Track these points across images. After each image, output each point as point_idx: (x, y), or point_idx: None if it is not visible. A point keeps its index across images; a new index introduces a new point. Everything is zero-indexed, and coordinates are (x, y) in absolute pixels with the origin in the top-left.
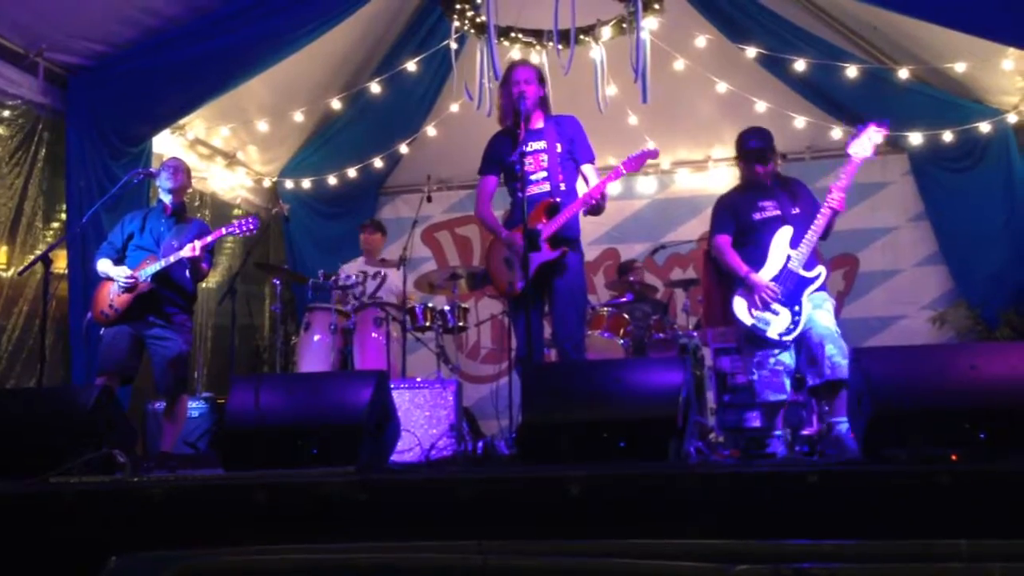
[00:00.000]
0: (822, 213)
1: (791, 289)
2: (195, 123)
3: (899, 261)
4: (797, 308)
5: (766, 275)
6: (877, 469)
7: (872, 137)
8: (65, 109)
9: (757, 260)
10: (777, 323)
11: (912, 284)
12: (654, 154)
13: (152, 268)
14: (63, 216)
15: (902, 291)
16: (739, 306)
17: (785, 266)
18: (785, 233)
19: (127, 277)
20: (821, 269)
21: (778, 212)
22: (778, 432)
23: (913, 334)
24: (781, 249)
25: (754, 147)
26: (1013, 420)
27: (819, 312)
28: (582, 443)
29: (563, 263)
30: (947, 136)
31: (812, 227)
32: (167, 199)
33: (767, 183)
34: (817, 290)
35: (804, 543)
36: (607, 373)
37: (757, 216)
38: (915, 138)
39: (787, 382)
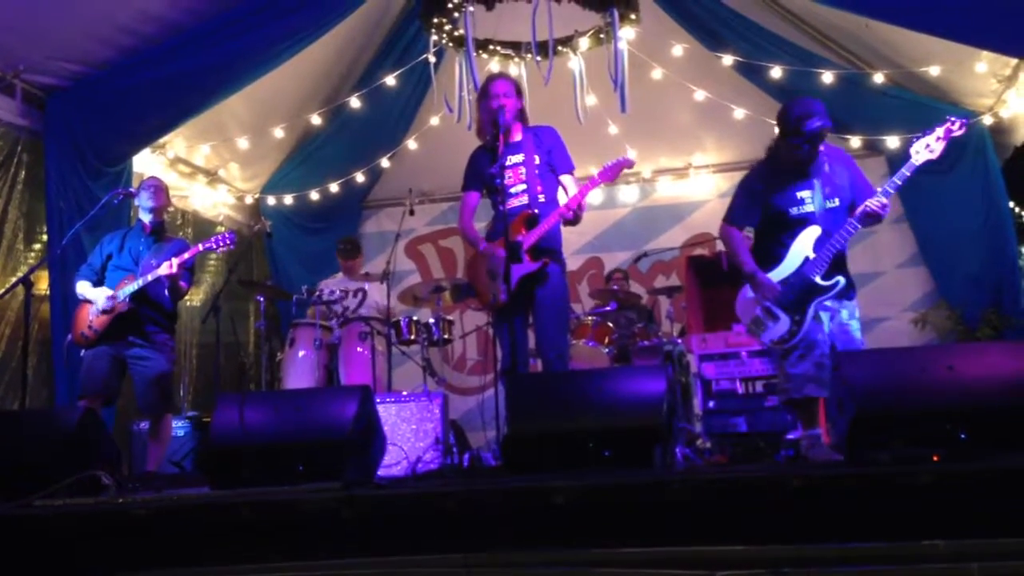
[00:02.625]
0: (855, 217)
1: (798, 294)
2: (175, 141)
3: (880, 263)
4: (799, 317)
5: (777, 275)
6: (858, 472)
7: (942, 136)
8: (44, 130)
9: (776, 257)
10: (774, 329)
11: (894, 286)
12: (629, 163)
13: (130, 288)
14: (44, 237)
15: (884, 293)
16: (742, 303)
17: (799, 268)
18: (811, 234)
19: (107, 297)
20: (840, 279)
21: (813, 208)
22: (817, 431)
23: (896, 335)
24: (801, 250)
25: (817, 128)
26: (993, 419)
27: (854, 323)
28: (567, 453)
29: (544, 274)
30: None
31: (841, 231)
32: (147, 218)
33: (809, 168)
34: (847, 299)
35: (787, 547)
36: (591, 382)
37: (795, 211)
38: (892, 141)
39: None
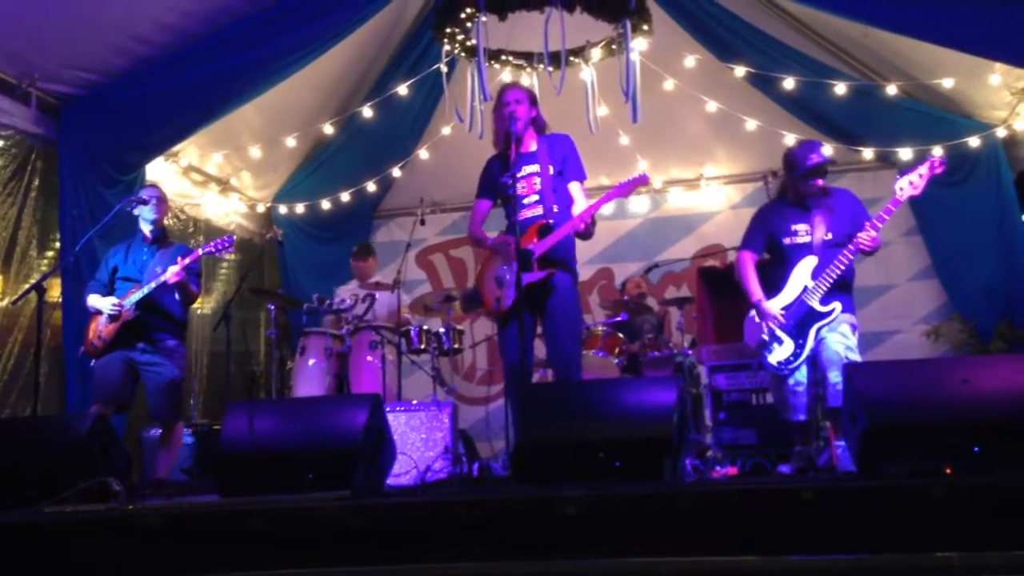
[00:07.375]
0: (849, 250)
1: (800, 320)
2: (188, 150)
3: (892, 276)
4: (802, 341)
5: (779, 302)
6: (871, 484)
7: (924, 174)
8: (58, 138)
9: (778, 284)
10: (779, 352)
11: (906, 299)
12: (644, 180)
13: (136, 296)
14: (57, 245)
15: (896, 306)
16: (750, 327)
17: (800, 296)
18: (808, 263)
19: (114, 304)
20: (836, 305)
21: (808, 239)
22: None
23: (908, 349)
24: (800, 279)
25: (816, 163)
26: (1006, 433)
27: (832, 336)
28: (577, 463)
29: (552, 283)
30: (937, 151)
31: (836, 262)
32: (147, 229)
33: (809, 203)
34: (839, 316)
35: (798, 559)
36: (601, 393)
37: (787, 241)
38: (905, 153)
39: (806, 402)
